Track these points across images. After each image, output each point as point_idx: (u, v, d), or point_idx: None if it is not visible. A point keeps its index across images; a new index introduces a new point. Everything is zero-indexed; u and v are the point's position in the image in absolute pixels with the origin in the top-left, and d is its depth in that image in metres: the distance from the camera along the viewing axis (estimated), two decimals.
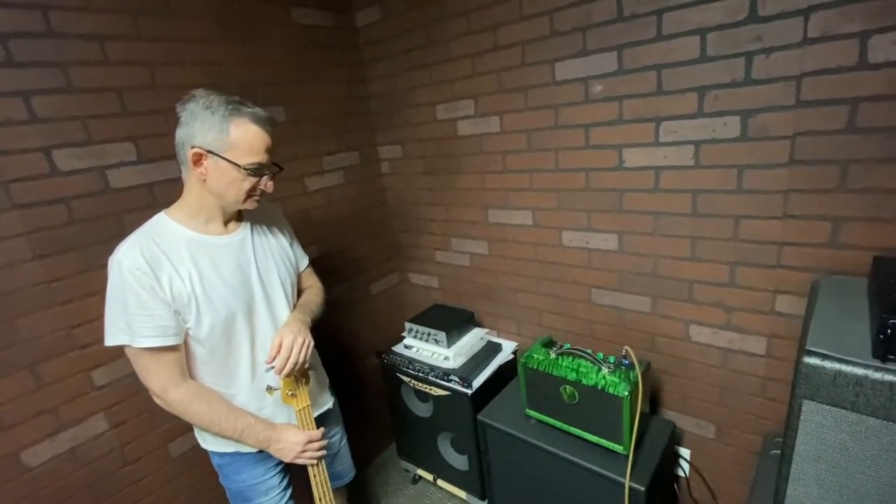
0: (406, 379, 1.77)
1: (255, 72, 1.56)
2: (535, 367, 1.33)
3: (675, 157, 1.26)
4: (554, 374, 1.29)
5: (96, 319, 1.21)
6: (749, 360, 1.29)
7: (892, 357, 0.70)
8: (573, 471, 1.27)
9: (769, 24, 1.05)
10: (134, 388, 1.33)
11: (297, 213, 1.73)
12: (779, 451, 1.13)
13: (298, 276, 1.26)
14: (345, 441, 1.39)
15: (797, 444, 0.79)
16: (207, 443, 1.14)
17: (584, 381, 1.23)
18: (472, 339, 1.76)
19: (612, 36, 1.27)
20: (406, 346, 1.81)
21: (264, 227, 1.15)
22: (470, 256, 1.89)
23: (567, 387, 1.28)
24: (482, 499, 1.71)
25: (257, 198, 1.01)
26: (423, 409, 1.83)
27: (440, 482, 1.90)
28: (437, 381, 1.66)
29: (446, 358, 1.68)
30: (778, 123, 1.10)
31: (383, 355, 1.85)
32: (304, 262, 1.29)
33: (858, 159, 1.02)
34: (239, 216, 1.09)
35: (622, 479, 1.18)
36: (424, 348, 1.74)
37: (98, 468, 1.31)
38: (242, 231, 1.09)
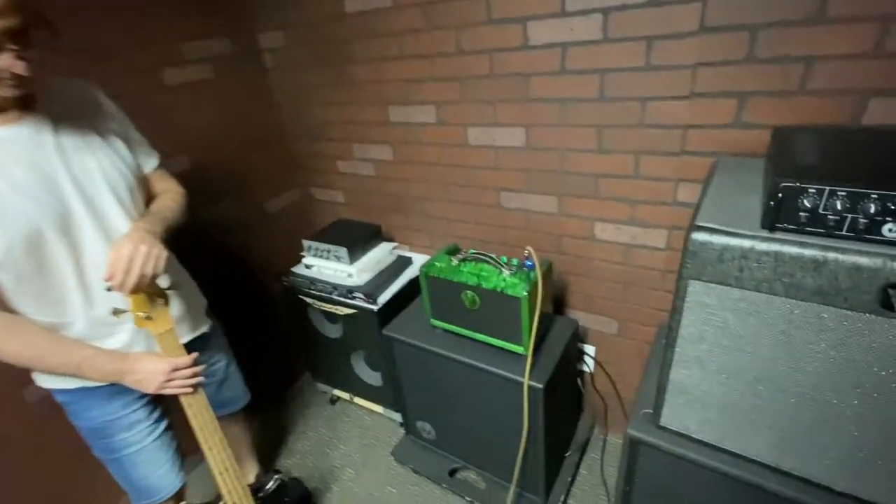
0: (310, 300, 1.63)
1: None
2: (436, 275, 1.23)
3: (582, 30, 1.11)
4: (455, 280, 1.20)
5: None
6: (650, 254, 1.27)
7: (780, 226, 0.64)
8: (479, 375, 1.24)
9: None
10: None
11: (151, 111, 1.41)
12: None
13: (146, 180, 1.02)
14: (233, 366, 1.26)
15: (682, 328, 0.75)
16: (42, 380, 0.95)
17: (484, 285, 1.15)
18: (380, 255, 1.63)
19: None
20: (306, 266, 1.64)
21: (78, 120, 0.89)
22: (374, 164, 1.69)
23: (468, 292, 1.20)
24: (397, 411, 1.70)
25: (12, 83, 0.74)
26: (333, 330, 1.72)
27: (357, 400, 1.86)
28: (342, 299, 1.54)
29: (349, 275, 1.55)
30: None
31: (283, 277, 1.68)
32: (151, 162, 1.04)
33: (769, 22, 0.92)
34: (26, 104, 0.82)
35: (521, 379, 1.15)
36: (326, 266, 1.59)
37: None
38: (33, 123, 0.82)
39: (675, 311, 0.74)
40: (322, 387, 1.97)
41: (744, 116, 1.01)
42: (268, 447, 1.78)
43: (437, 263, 1.25)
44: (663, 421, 0.86)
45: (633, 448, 0.90)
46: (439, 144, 1.49)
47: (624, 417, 1.57)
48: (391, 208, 1.74)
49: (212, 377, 1.18)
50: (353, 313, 1.54)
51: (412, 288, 1.59)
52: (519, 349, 1.19)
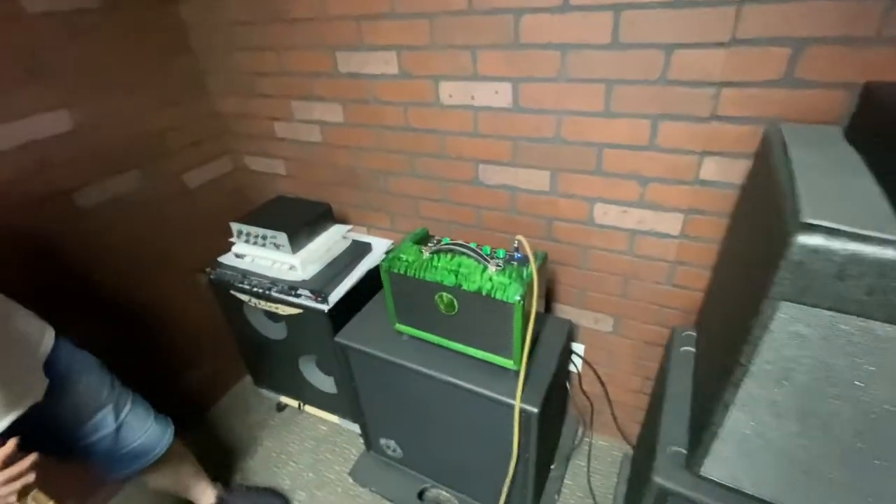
0: (244, 297, 1.32)
1: None
2: (402, 272, 0.97)
3: None
4: (427, 278, 0.94)
5: None
6: (659, 242, 1.06)
7: None
8: (456, 393, 1.00)
9: None
10: None
11: (7, 48, 1.02)
12: (691, 349, 0.95)
13: None
14: (128, 409, 0.96)
15: (756, 363, 0.53)
16: None
17: (465, 286, 0.90)
18: (331, 240, 1.33)
19: None
20: (237, 256, 1.32)
21: None
22: (321, 128, 1.37)
23: (444, 294, 0.94)
24: (356, 421, 1.45)
25: None
26: (274, 331, 1.43)
27: (308, 408, 1.60)
28: (283, 297, 1.24)
29: (292, 267, 1.25)
30: None
31: (208, 270, 1.35)
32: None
33: None
34: None
35: (511, 401, 0.93)
36: (262, 256, 1.28)
37: None
38: None
39: (749, 341, 0.52)
40: (266, 392, 1.69)
41: (797, 71, 0.79)
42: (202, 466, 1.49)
43: (402, 256, 0.98)
44: (705, 470, 0.66)
45: (661, 500, 0.71)
46: (402, 104, 1.19)
47: (613, 420, 1.41)
48: (343, 183, 1.43)
49: (89, 436, 0.89)
50: (299, 314, 1.25)
51: (372, 281, 1.32)
52: (508, 363, 0.96)
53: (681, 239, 1.03)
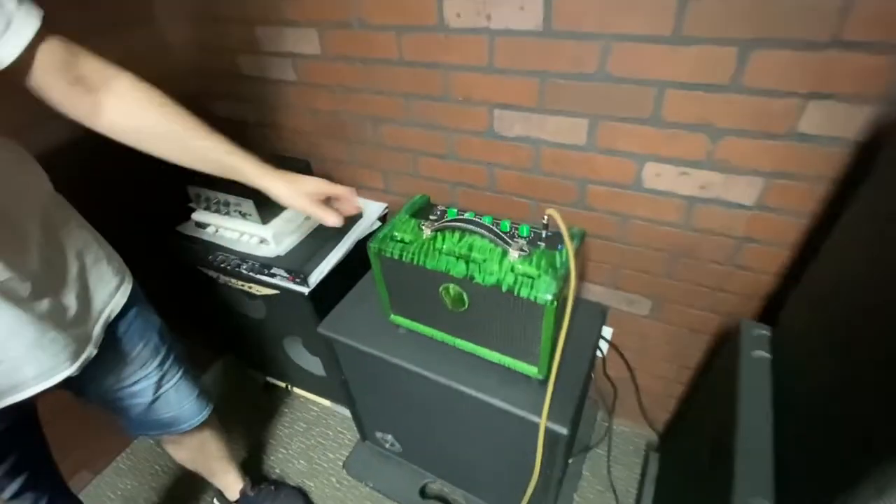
0: (212, 273, 1.11)
1: None
2: (395, 256, 0.74)
3: None
4: (428, 266, 0.72)
5: None
6: (725, 213, 0.83)
7: None
8: (466, 400, 0.82)
9: None
10: None
11: None
12: (765, 354, 0.75)
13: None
14: (168, 386, 0.84)
15: None
16: None
17: (478, 279, 0.68)
18: None
19: None
20: (198, 225, 1.09)
21: None
22: (293, 63, 1.09)
23: (451, 286, 0.73)
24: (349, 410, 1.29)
25: None
26: (253, 309, 1.23)
27: (296, 390, 1.44)
28: (256, 276, 1.03)
29: (263, 241, 1.02)
30: None
31: (168, 241, 1.13)
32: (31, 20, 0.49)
33: None
34: None
35: (535, 419, 0.74)
36: (226, 227, 1.05)
37: None
38: None
39: None
40: (250, 371, 1.53)
41: None
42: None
43: (396, 235, 0.76)
44: None
45: None
46: (395, 28, 0.91)
47: (639, 407, 1.25)
48: (326, 133, 1.17)
49: (120, 401, 0.79)
50: (276, 294, 1.04)
51: (363, 254, 1.08)
52: (531, 371, 0.76)
53: (756, 210, 0.80)
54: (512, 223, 0.75)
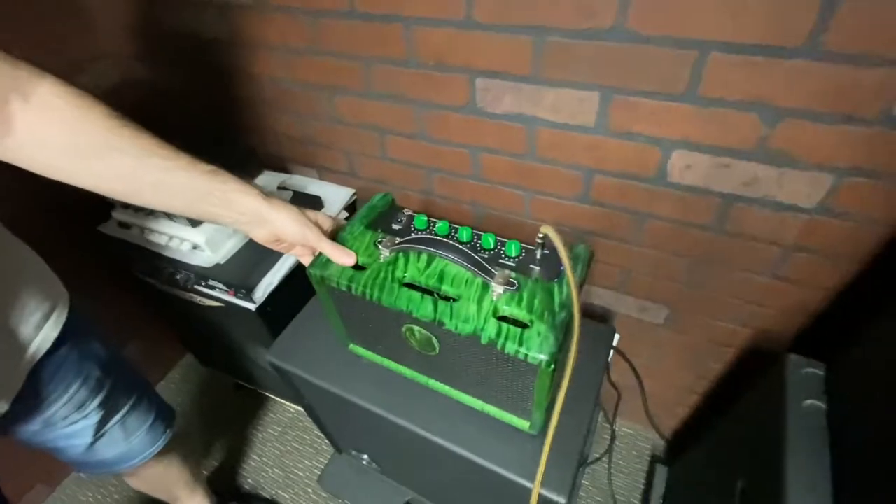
0: (150, 280, 0.93)
1: None
2: (342, 287, 0.56)
3: None
4: (385, 304, 0.54)
5: None
6: (774, 216, 0.64)
7: None
8: (440, 450, 0.67)
9: None
10: None
11: None
12: (820, 405, 0.59)
13: None
14: (111, 424, 0.70)
15: None
16: None
17: (448, 326, 0.51)
18: None
19: None
20: (121, 225, 0.90)
21: None
22: (222, 14, 0.85)
23: (415, 328, 0.56)
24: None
25: None
26: (206, 312, 1.07)
27: (267, 393, 1.31)
28: (195, 287, 0.86)
29: (195, 247, 0.84)
30: None
31: (90, 244, 0.94)
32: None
33: None
34: None
35: (527, 484, 0.60)
36: (153, 229, 0.86)
37: None
38: None
39: None
40: (217, 371, 1.39)
41: None
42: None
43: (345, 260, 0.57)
44: None
45: None
46: None
47: (645, 413, 1.12)
48: (273, 105, 0.96)
49: (53, 442, 0.66)
50: (222, 307, 0.88)
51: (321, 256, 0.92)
52: (521, 425, 0.61)
53: (816, 214, 0.61)
54: (497, 238, 0.57)
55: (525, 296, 0.50)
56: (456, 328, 0.50)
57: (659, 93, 0.60)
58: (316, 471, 1.21)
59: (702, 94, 0.57)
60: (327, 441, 1.25)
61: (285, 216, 0.50)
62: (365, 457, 1.02)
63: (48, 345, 0.56)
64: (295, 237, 0.52)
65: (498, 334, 0.48)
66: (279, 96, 0.92)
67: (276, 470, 1.24)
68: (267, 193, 0.50)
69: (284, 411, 1.34)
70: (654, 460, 1.15)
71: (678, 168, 0.65)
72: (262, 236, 0.52)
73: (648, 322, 0.91)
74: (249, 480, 1.23)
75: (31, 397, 0.56)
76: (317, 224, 0.54)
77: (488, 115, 0.73)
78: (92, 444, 0.68)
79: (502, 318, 0.50)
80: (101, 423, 0.67)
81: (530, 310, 0.49)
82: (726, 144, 0.60)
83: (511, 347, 0.47)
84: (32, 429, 0.60)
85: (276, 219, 0.50)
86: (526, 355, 0.47)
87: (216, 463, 1.26)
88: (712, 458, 0.85)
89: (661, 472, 1.05)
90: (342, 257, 0.54)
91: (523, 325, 0.49)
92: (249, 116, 1.01)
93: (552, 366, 0.47)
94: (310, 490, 1.19)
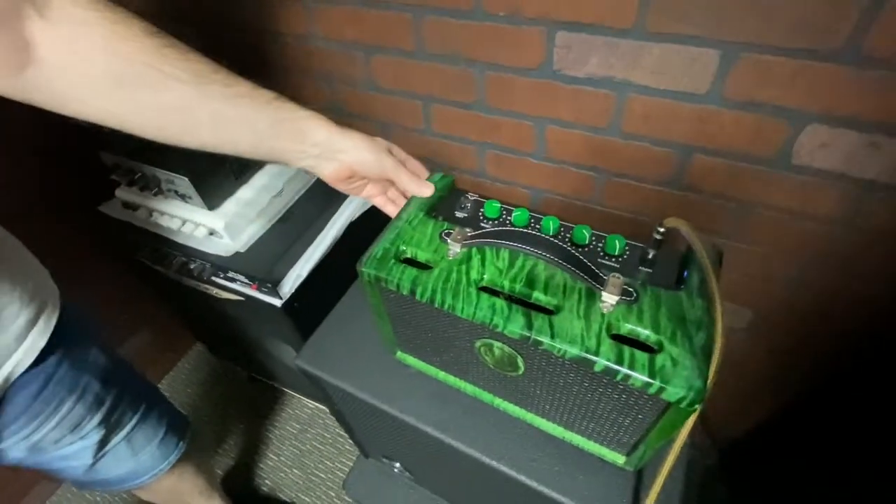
0: (161, 269, 0.82)
1: None
2: (405, 291, 0.45)
3: None
4: (462, 315, 0.43)
5: None
6: None
7: None
8: (502, 476, 0.57)
9: None
10: None
11: None
12: None
13: None
14: (114, 442, 0.60)
15: None
16: None
17: (547, 345, 0.39)
18: (277, 180, 0.78)
19: None
20: (126, 206, 0.79)
21: None
22: None
23: (496, 345, 0.45)
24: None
25: None
26: (223, 305, 0.96)
27: (286, 389, 1.22)
28: (211, 278, 0.75)
29: (212, 232, 0.72)
30: None
31: (90, 227, 0.83)
32: None
33: None
34: None
35: None
36: (163, 211, 0.75)
37: None
38: None
39: None
40: (230, 364, 1.30)
41: None
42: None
43: (404, 249, 0.46)
44: None
45: None
46: None
47: (701, 423, 1.02)
48: (292, 67, 0.83)
49: (49, 463, 0.57)
50: (242, 301, 0.77)
51: (354, 243, 0.80)
52: (616, 458, 0.50)
53: None
54: (593, 231, 0.45)
55: (646, 308, 0.39)
56: (559, 351, 0.39)
57: (803, 49, 0.47)
58: (338, 472, 1.13)
59: (867, 52, 0.44)
60: (349, 441, 1.17)
61: (360, 143, 0.43)
62: (397, 465, 0.92)
63: (32, 357, 0.45)
64: (371, 168, 0.44)
65: (620, 360, 0.37)
66: (304, 57, 0.80)
67: (295, 471, 1.15)
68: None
69: (303, 407, 1.25)
70: (706, 474, 1.06)
71: (808, 148, 0.53)
72: (332, 172, 0.43)
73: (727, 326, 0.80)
74: (267, 482, 1.14)
75: (9, 423, 0.45)
76: (391, 153, 0.46)
77: (566, 80, 0.61)
78: (93, 464, 0.59)
79: (616, 337, 0.39)
80: (103, 443, 0.58)
81: (656, 329, 0.38)
82: (883, 118, 0.48)
83: (638, 380, 0.36)
84: (17, 455, 0.50)
85: (351, 147, 0.43)
86: (660, 389, 0.36)
87: (231, 462, 1.17)
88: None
89: (718, 490, 0.96)
90: (422, 187, 0.47)
91: (648, 349, 0.38)
92: (269, 83, 0.88)
93: (696, 405, 0.35)
94: (332, 494, 1.11)
